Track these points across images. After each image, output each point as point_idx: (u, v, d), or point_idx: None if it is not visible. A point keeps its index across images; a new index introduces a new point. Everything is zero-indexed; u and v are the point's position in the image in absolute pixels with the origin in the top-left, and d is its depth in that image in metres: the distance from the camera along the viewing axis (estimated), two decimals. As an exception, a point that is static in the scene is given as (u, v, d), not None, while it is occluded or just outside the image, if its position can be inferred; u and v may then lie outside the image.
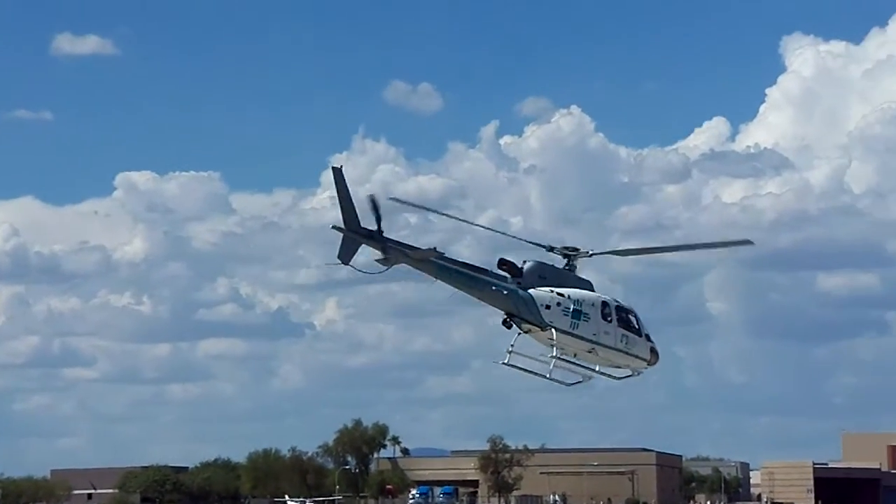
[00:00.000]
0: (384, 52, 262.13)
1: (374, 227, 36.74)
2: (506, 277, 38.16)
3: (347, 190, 36.13)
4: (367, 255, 37.42)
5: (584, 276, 39.29)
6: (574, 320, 38.34)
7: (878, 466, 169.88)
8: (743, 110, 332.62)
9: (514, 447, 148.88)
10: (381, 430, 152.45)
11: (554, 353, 38.05)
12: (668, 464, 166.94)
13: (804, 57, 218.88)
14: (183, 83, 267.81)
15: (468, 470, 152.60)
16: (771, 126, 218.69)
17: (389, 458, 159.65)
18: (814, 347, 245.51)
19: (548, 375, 38.23)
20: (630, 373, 40.47)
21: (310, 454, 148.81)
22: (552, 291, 38.25)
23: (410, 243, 37.09)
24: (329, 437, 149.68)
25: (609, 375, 40.17)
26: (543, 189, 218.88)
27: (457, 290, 37.92)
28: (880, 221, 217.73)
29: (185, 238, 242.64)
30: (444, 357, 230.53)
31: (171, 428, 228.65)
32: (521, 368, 38.16)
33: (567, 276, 38.90)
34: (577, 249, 38.68)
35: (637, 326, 40.15)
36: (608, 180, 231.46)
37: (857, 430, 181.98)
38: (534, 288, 38.29)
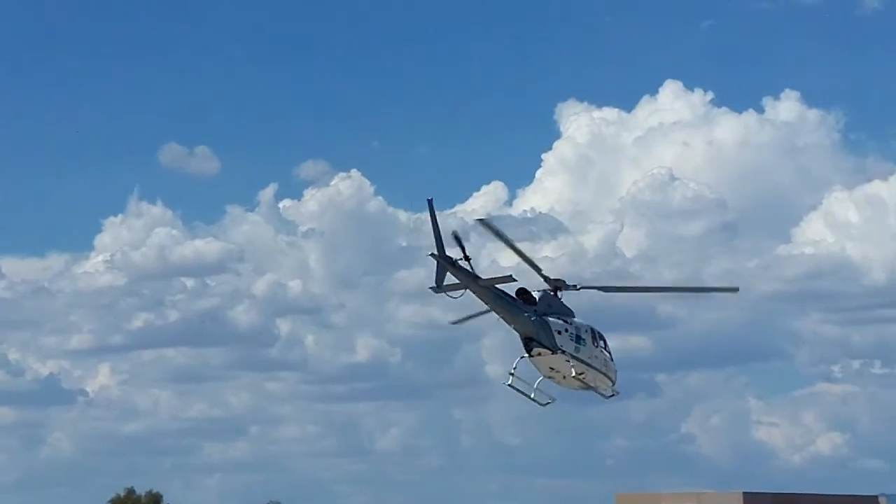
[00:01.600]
0: (159, 113, 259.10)
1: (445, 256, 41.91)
2: (526, 306, 42.75)
3: (437, 220, 41.59)
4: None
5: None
6: (577, 345, 43.34)
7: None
8: (520, 175, 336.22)
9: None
10: (155, 498, 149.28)
11: (573, 374, 42.94)
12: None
13: (578, 123, 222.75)
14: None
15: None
16: (547, 191, 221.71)
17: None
18: (587, 409, 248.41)
19: (532, 396, 43.22)
20: (612, 393, 45.35)
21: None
22: (560, 319, 43.25)
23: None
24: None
25: (601, 395, 44.94)
26: (322, 252, 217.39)
27: (498, 315, 42.41)
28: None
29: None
30: (221, 423, 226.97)
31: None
32: (517, 389, 43.00)
33: (562, 306, 43.74)
34: (563, 281, 43.40)
35: (609, 351, 44.92)
36: (387, 244, 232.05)
37: (629, 491, 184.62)
38: (545, 315, 43.06)
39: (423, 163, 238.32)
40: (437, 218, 41.17)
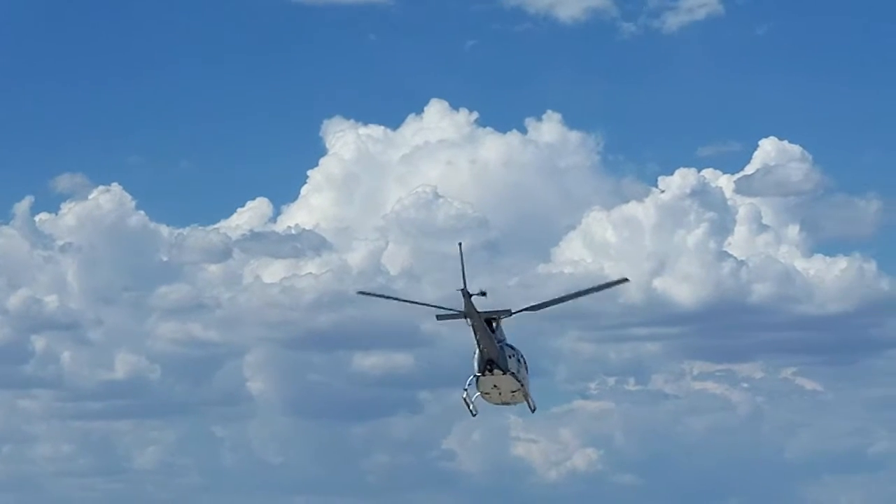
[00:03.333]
0: None
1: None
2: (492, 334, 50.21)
3: (464, 261, 48.36)
4: None
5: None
6: (518, 366, 50.96)
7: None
8: (285, 191, 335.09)
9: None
10: None
11: (513, 390, 51.06)
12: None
13: (345, 140, 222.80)
14: None
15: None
16: (312, 207, 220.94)
17: None
18: (350, 426, 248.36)
19: (471, 408, 51.44)
20: (534, 406, 53.12)
21: None
22: (508, 346, 50.77)
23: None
24: None
25: (530, 408, 52.95)
26: (80, 267, 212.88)
27: (479, 339, 49.53)
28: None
29: None
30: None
31: None
32: (466, 403, 51.28)
33: (503, 333, 50.99)
34: (507, 311, 50.04)
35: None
36: (148, 259, 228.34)
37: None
38: (500, 342, 50.43)
39: (187, 177, 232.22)
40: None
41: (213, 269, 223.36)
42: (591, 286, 51.67)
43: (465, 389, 50.76)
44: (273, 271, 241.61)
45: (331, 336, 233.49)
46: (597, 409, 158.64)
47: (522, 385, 51.56)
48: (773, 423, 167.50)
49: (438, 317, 50.84)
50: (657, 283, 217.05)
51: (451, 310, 49.76)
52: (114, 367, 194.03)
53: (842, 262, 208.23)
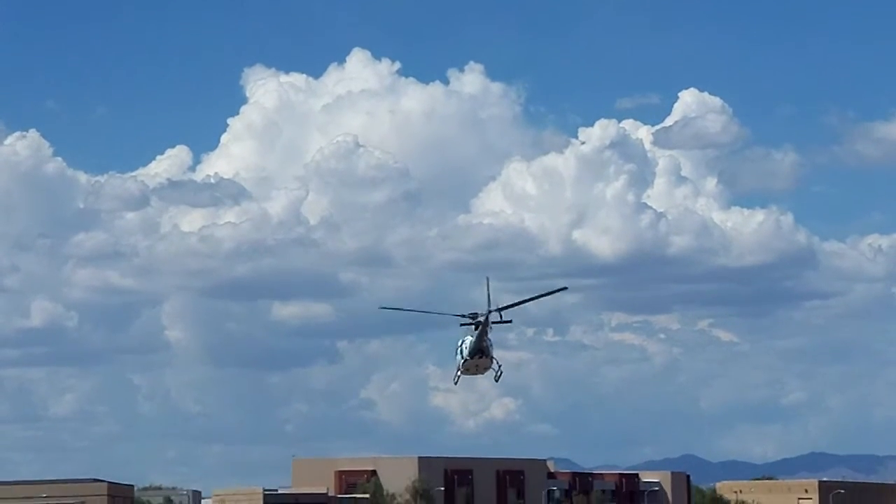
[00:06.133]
0: None
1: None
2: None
3: (489, 290, 62.79)
4: None
5: None
6: (491, 349, 64.37)
7: (325, 491, 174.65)
8: (205, 139, 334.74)
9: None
10: None
11: (495, 367, 65.10)
12: (119, 493, 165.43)
13: (266, 88, 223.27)
14: None
15: None
16: (232, 156, 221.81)
17: None
18: (268, 375, 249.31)
19: (456, 380, 66.04)
20: (499, 377, 66.41)
21: None
22: (488, 337, 64.16)
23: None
24: None
25: (496, 377, 65.77)
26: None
27: (483, 336, 63.39)
28: (333, 252, 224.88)
29: None
30: None
31: None
32: (458, 377, 65.85)
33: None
34: (477, 314, 63.48)
35: None
36: (65, 206, 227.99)
37: (307, 456, 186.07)
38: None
39: (105, 124, 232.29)
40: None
41: (131, 216, 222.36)
42: (536, 294, 64.04)
43: (458, 369, 65.33)
44: (191, 220, 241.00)
45: (249, 285, 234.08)
46: (515, 360, 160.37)
47: (493, 363, 66.05)
48: (690, 373, 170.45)
49: (462, 324, 64.54)
50: (577, 234, 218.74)
51: (472, 322, 63.22)
52: (30, 314, 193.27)
53: (759, 215, 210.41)
